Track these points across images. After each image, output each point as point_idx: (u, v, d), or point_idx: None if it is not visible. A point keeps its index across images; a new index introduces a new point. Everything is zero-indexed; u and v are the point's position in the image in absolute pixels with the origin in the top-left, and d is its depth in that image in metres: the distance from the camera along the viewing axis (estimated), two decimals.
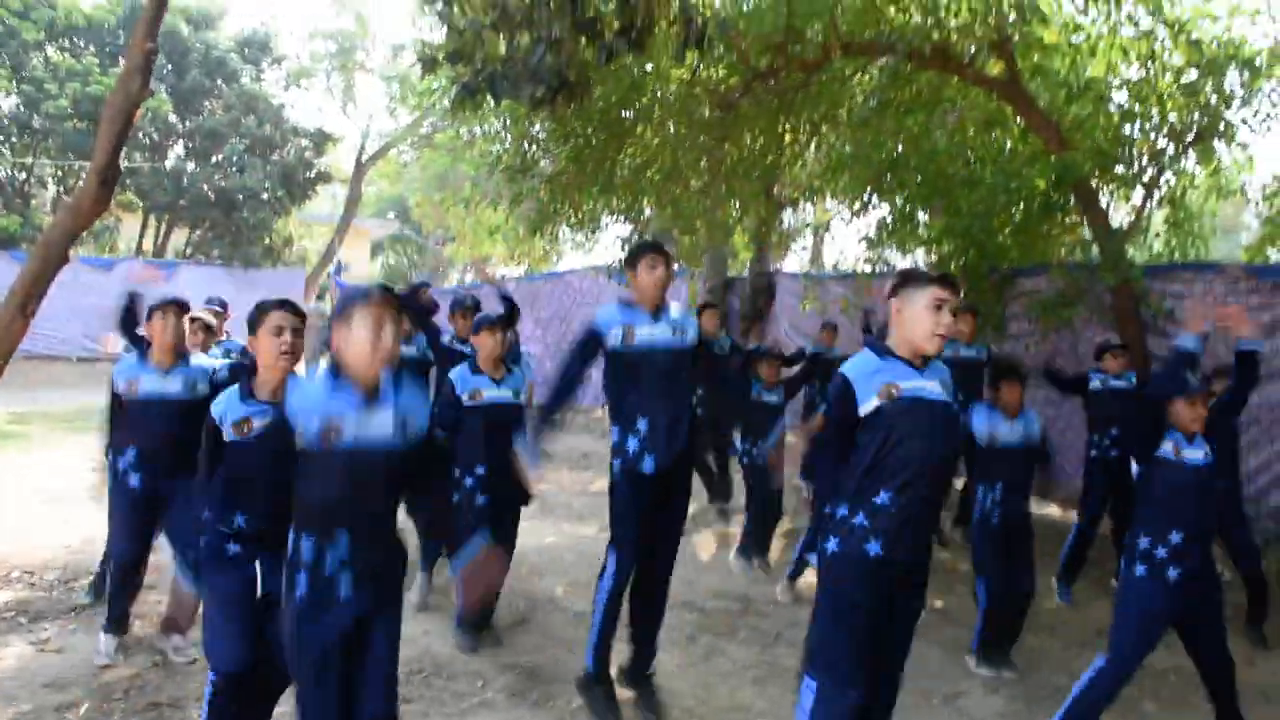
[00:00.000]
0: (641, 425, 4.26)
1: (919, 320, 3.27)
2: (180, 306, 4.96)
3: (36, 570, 6.38)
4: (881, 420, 3.25)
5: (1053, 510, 9.31)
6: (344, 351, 2.97)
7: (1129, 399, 6.72)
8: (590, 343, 4.37)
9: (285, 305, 3.66)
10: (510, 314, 6.04)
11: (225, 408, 3.55)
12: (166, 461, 4.74)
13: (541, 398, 4.53)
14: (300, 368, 3.71)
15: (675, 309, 4.42)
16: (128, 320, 5.29)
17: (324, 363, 3.13)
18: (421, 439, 3.09)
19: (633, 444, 4.27)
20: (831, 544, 3.32)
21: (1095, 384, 6.91)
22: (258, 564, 3.43)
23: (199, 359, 5.07)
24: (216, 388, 4.58)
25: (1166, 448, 4.24)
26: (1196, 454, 4.24)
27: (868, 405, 3.26)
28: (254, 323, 3.65)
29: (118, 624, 4.95)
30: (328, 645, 2.94)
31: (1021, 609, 5.50)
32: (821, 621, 3.37)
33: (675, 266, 13.40)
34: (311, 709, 2.95)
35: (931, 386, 3.30)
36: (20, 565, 6.46)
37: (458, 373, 5.37)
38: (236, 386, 3.62)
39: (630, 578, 4.38)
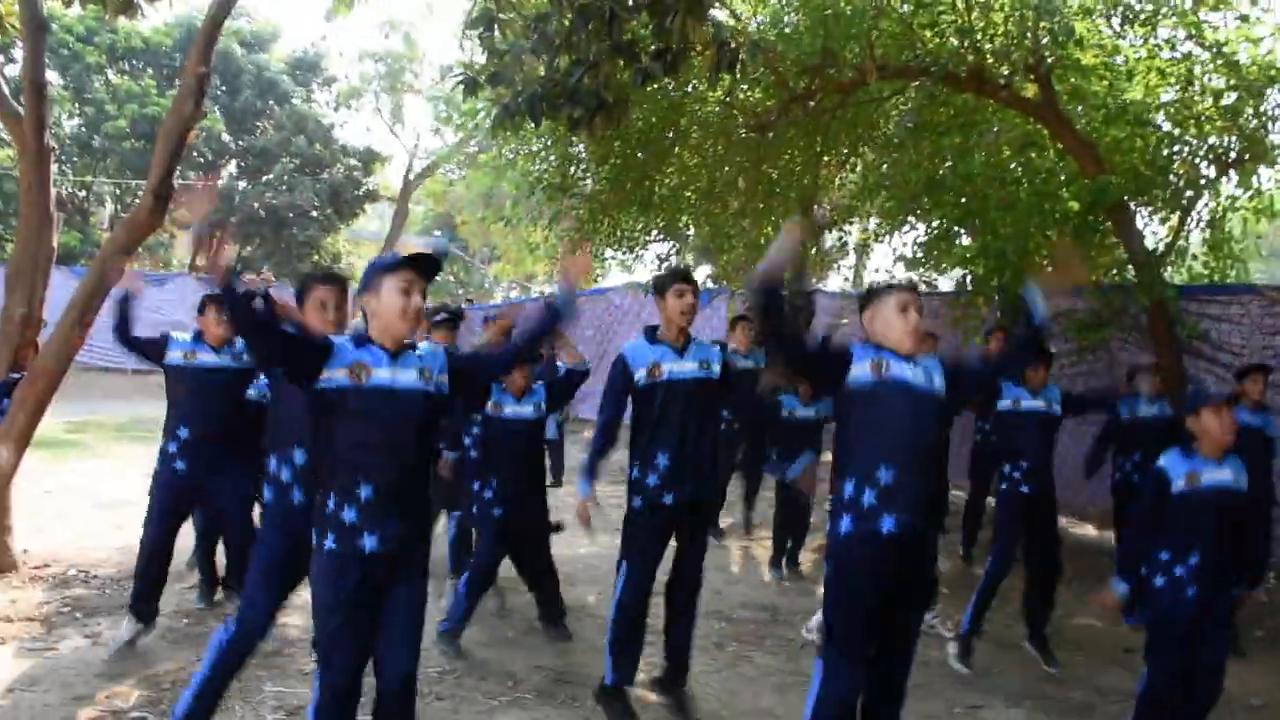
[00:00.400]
0: (661, 461, 4.31)
1: (891, 326, 3.50)
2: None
3: (91, 569, 6.64)
4: (874, 397, 3.45)
5: (1089, 530, 9.31)
6: (375, 316, 3.15)
7: (1159, 425, 6.74)
8: (623, 380, 4.43)
9: (329, 279, 3.90)
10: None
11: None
12: (215, 443, 5.01)
13: (592, 440, 4.54)
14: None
15: (701, 342, 4.51)
16: (122, 326, 5.49)
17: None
18: (444, 391, 3.26)
19: (652, 479, 4.32)
20: (845, 523, 3.46)
21: (1124, 414, 6.93)
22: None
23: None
24: None
25: (1179, 485, 4.27)
26: (1223, 476, 4.28)
27: (860, 370, 3.47)
28: (300, 296, 3.88)
29: (143, 612, 5.11)
30: (350, 598, 3.07)
31: (1049, 588, 5.59)
32: (833, 597, 3.52)
33: (717, 284, 13.56)
34: (333, 657, 3.09)
35: (917, 375, 3.49)
36: (76, 564, 6.73)
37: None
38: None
39: (643, 593, 4.41)
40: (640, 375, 4.36)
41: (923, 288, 10.07)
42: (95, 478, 10.17)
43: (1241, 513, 4.31)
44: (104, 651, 5.02)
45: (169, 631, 5.42)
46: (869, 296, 3.64)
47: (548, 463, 10.71)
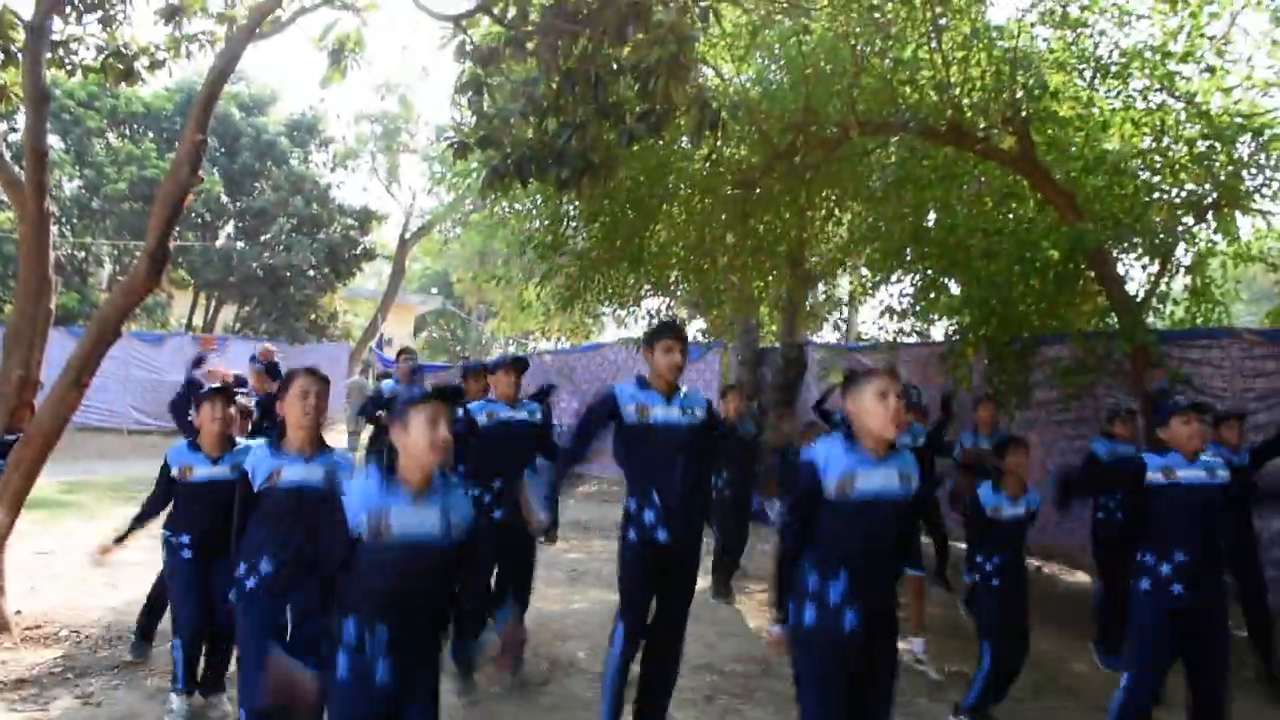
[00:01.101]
0: (656, 498, 4.41)
1: (871, 414, 3.51)
2: (227, 396, 5.20)
3: (83, 629, 6.66)
4: (835, 510, 3.51)
5: (1080, 577, 9.33)
6: (402, 448, 3.16)
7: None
8: (606, 407, 4.54)
9: (311, 373, 4.05)
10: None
11: (255, 461, 3.89)
12: (221, 543, 5.01)
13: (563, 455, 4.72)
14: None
15: (686, 391, 4.60)
16: (181, 405, 5.59)
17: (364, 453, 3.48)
18: (466, 536, 3.26)
19: (649, 516, 4.41)
20: (808, 615, 3.52)
21: (1103, 453, 6.99)
22: (288, 609, 3.72)
23: (244, 444, 5.24)
24: None
25: (1155, 476, 4.41)
26: (1197, 473, 4.45)
27: (828, 488, 3.51)
28: (283, 388, 4.02)
29: (188, 686, 5.08)
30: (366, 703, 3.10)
31: (1014, 672, 5.59)
32: (804, 693, 3.57)
33: (708, 338, 13.63)
34: None
35: (888, 480, 3.52)
36: (67, 624, 6.74)
37: (478, 404, 5.86)
38: (265, 442, 3.94)
39: (638, 645, 4.50)
40: (630, 412, 4.47)
41: (914, 338, 10.20)
42: (91, 538, 10.14)
43: (1223, 508, 4.49)
44: (95, 712, 5.04)
45: (157, 692, 5.44)
46: (849, 381, 3.68)
47: None
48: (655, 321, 12.44)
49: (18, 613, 6.77)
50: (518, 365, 6.06)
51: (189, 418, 5.51)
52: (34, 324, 6.81)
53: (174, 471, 5.16)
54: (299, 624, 3.88)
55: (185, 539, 5.10)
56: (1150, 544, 4.52)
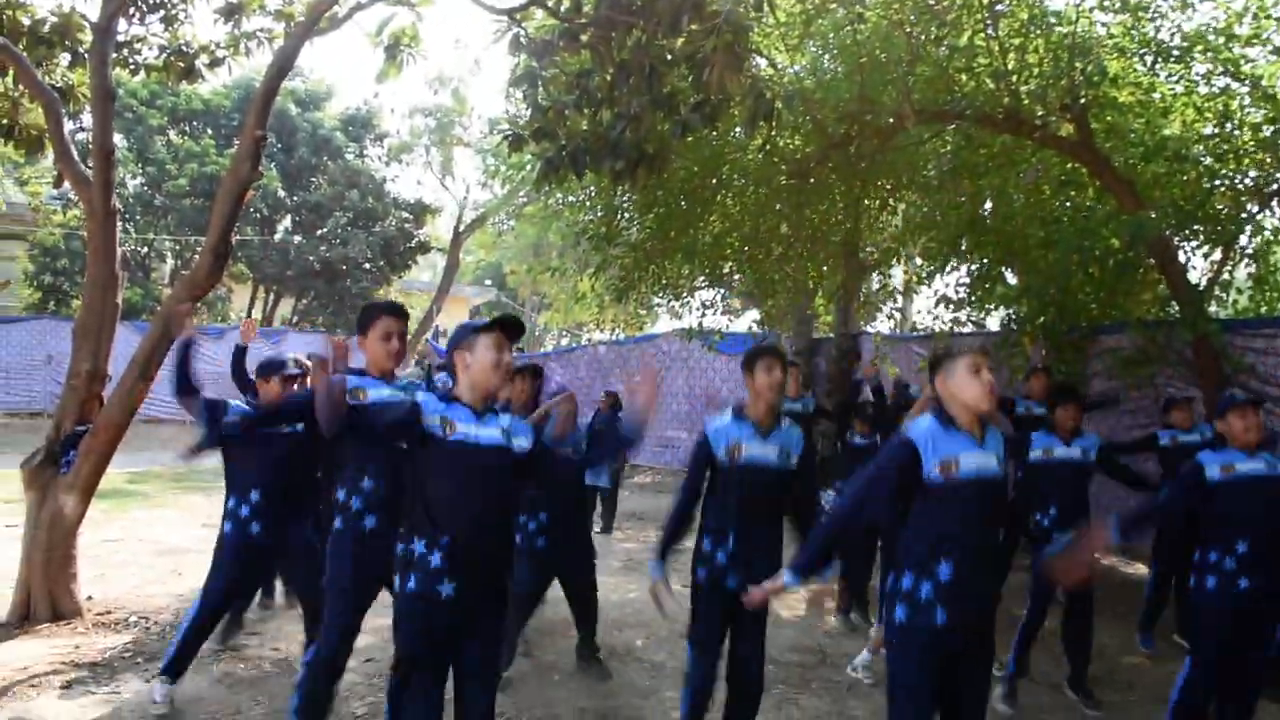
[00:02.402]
0: (730, 540, 4.27)
1: (964, 388, 3.48)
2: (289, 377, 5.38)
3: (150, 615, 6.82)
4: (938, 493, 3.43)
5: (1138, 569, 9.20)
6: (467, 370, 3.45)
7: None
8: (703, 457, 4.38)
9: (393, 310, 4.12)
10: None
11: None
12: (285, 503, 5.12)
13: (666, 521, 4.48)
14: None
15: (788, 427, 4.42)
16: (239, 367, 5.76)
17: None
18: (528, 451, 3.52)
19: (720, 558, 4.28)
20: (899, 613, 3.47)
21: (1165, 441, 6.90)
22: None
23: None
24: None
25: (1214, 472, 4.37)
26: (1257, 466, 4.42)
27: (929, 474, 3.42)
28: (364, 324, 4.08)
29: (179, 672, 5.12)
30: (431, 639, 3.35)
31: (1083, 630, 5.56)
32: (892, 692, 3.51)
33: (763, 329, 13.57)
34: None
35: (988, 462, 3.46)
36: (136, 611, 6.92)
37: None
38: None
39: (712, 676, 4.40)
40: (722, 451, 4.31)
41: (969, 328, 10.10)
42: (155, 526, 10.43)
43: None
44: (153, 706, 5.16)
45: (225, 676, 5.57)
46: (939, 361, 3.63)
47: (599, 509, 10.89)
48: (709, 313, 12.47)
49: (89, 598, 6.95)
50: (534, 371, 5.89)
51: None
52: (102, 318, 6.97)
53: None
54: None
55: (255, 499, 5.13)
56: (1212, 540, 4.46)
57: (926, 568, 3.41)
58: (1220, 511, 4.42)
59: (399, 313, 4.23)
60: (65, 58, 8.29)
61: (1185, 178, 8.05)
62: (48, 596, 6.56)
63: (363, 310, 4.31)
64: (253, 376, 5.91)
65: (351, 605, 4.18)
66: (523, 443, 3.52)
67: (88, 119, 9.46)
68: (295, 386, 5.36)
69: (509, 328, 3.53)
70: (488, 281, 40.66)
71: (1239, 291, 8.72)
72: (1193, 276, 8.33)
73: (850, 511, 3.62)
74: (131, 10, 7.98)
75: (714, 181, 9.33)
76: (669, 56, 5.80)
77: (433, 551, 3.32)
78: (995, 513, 3.56)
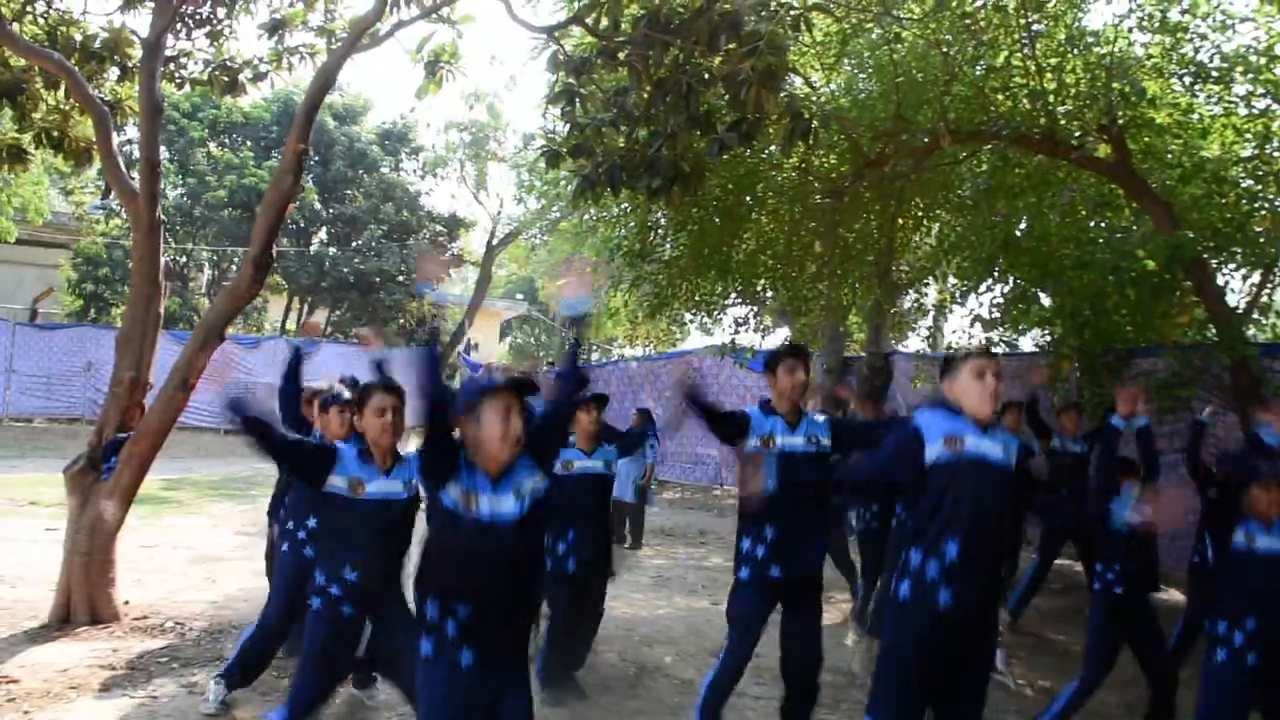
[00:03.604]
0: (769, 533, 4.31)
1: (968, 392, 3.56)
2: (346, 404, 5.21)
3: (186, 621, 6.91)
4: (945, 470, 3.50)
5: (1174, 595, 9.10)
6: (475, 440, 3.20)
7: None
8: (739, 419, 4.46)
9: (387, 387, 4.12)
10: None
11: (343, 456, 4.00)
12: None
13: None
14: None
15: (815, 417, 4.50)
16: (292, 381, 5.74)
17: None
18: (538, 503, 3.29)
19: (761, 551, 4.32)
20: (904, 590, 3.52)
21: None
22: (367, 625, 3.85)
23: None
24: None
25: (1239, 538, 4.30)
26: (1276, 542, 4.28)
27: (935, 451, 3.52)
28: (360, 402, 4.11)
29: (239, 681, 5.24)
30: (452, 710, 3.16)
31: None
32: (883, 664, 3.58)
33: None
34: None
35: (992, 448, 3.52)
36: (172, 616, 7.01)
37: None
38: (354, 443, 4.06)
39: (741, 663, 4.45)
40: (754, 443, 4.38)
41: (1002, 349, 10.05)
42: (190, 533, 10.56)
43: None
44: (199, 702, 5.23)
45: (258, 684, 5.62)
46: (948, 364, 3.72)
47: (627, 526, 10.90)
48: (742, 330, 12.48)
49: (126, 603, 7.05)
50: (599, 401, 5.89)
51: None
52: (145, 327, 7.10)
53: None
54: (379, 633, 4.02)
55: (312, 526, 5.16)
56: (1223, 612, 4.36)
57: (934, 546, 3.46)
58: (1235, 582, 4.33)
59: (393, 389, 4.14)
60: (114, 72, 8.47)
61: (1224, 200, 7.99)
62: (87, 600, 6.67)
63: (360, 389, 4.26)
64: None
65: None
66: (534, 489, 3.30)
67: (133, 131, 9.64)
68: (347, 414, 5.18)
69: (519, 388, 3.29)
70: (519, 295, 40.84)
71: (1278, 315, 8.63)
72: (1231, 300, 8.25)
73: (864, 474, 3.85)
74: (179, 26, 8.13)
75: (748, 199, 9.37)
76: (706, 75, 5.85)
77: (449, 621, 3.17)
78: (1002, 499, 3.57)
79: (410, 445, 4.11)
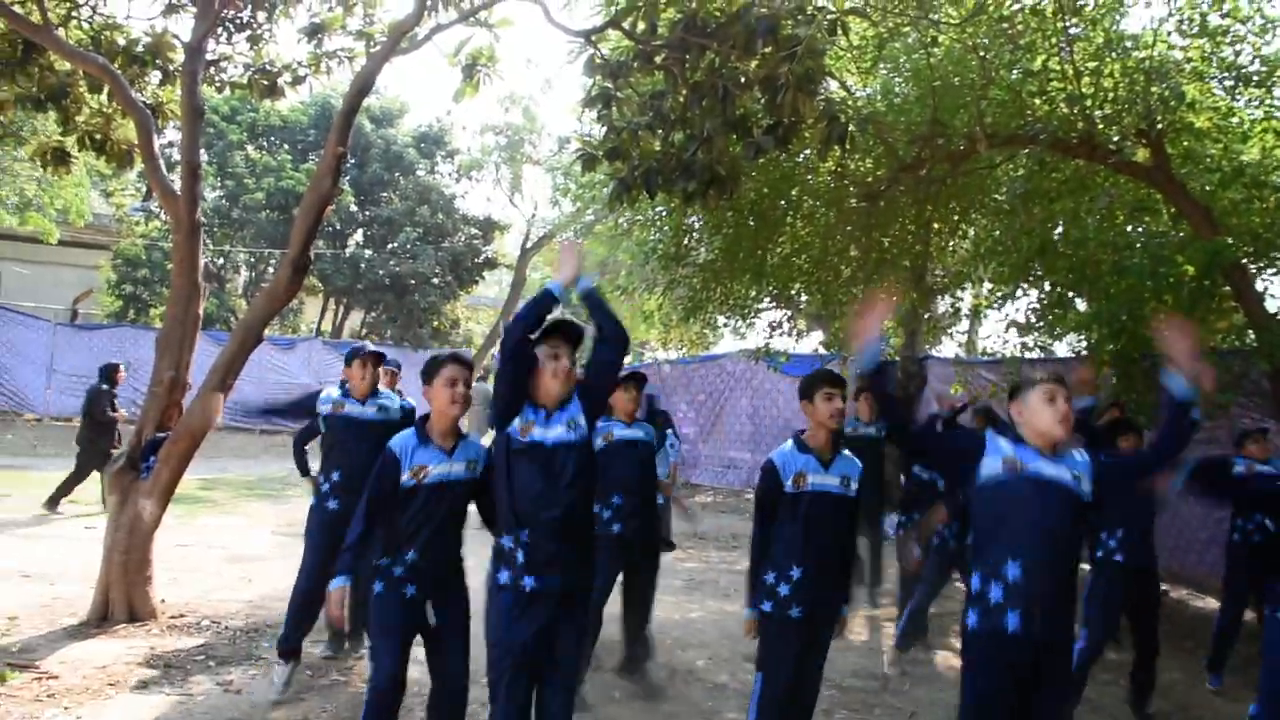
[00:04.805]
0: (795, 573, 4.30)
1: (1039, 415, 3.53)
2: (377, 356, 5.94)
3: (222, 620, 6.99)
4: (1004, 491, 3.47)
5: (1210, 602, 9.00)
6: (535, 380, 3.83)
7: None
8: (773, 489, 4.40)
9: (458, 359, 4.17)
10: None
11: (403, 446, 4.04)
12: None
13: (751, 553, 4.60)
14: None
15: (847, 455, 4.44)
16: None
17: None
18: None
19: (784, 589, 4.31)
20: (971, 619, 3.51)
21: (1240, 468, 6.75)
22: (429, 605, 3.95)
23: (387, 393, 6.13)
24: (405, 414, 5.87)
25: None
26: None
27: (991, 467, 3.51)
28: (430, 373, 4.13)
29: (292, 654, 5.55)
30: (520, 644, 3.67)
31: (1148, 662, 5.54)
32: (964, 703, 3.54)
33: (829, 350, 13.51)
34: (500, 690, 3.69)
35: (1059, 472, 3.48)
36: (208, 615, 7.09)
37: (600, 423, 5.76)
38: (413, 430, 4.09)
39: (779, 705, 4.40)
40: (788, 484, 4.35)
41: (1037, 353, 9.97)
42: (225, 533, 10.67)
43: None
44: (236, 699, 5.29)
45: (293, 682, 5.68)
46: (1016, 389, 3.70)
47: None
48: (776, 334, 12.44)
49: (162, 601, 7.14)
50: (637, 380, 6.07)
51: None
52: (184, 328, 7.18)
53: (326, 409, 5.91)
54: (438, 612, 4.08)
55: (336, 478, 5.80)
56: None
57: (996, 569, 3.44)
58: None
59: (463, 361, 4.23)
60: (156, 76, 8.59)
61: (1264, 204, 7.89)
62: (125, 598, 6.76)
63: (428, 361, 4.30)
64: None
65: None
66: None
67: (172, 134, 9.77)
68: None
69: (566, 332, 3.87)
70: (549, 283, 40.87)
71: None
72: (1271, 306, 8.13)
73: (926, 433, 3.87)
74: (220, 30, 8.24)
75: (783, 203, 9.35)
76: (743, 79, 5.84)
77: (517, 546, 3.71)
78: (1067, 521, 3.50)
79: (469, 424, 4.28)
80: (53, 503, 11.15)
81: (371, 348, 6.00)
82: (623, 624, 6.04)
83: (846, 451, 4.46)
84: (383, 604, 4.00)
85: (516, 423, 3.76)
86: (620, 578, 5.91)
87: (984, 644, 3.45)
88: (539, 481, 3.71)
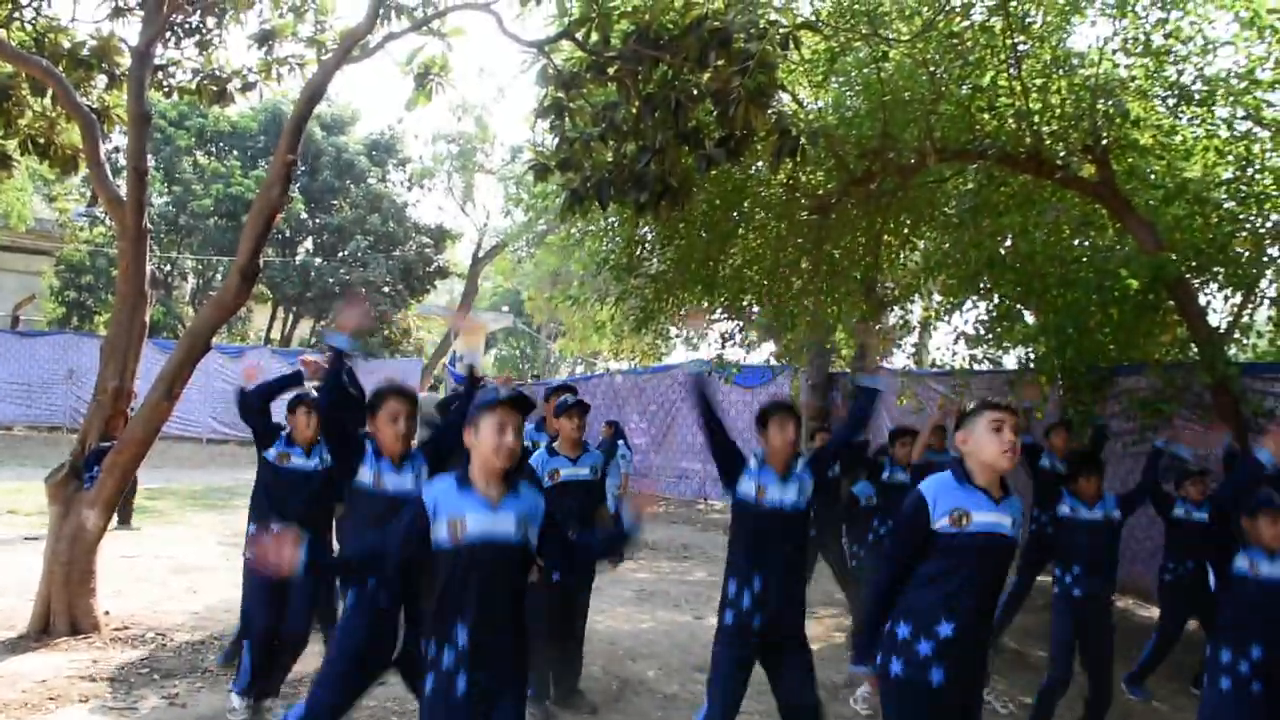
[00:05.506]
0: (757, 582, 4.35)
1: (984, 446, 3.42)
2: (312, 403, 5.52)
3: (167, 632, 6.88)
4: (948, 548, 3.37)
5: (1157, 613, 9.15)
6: (473, 452, 3.31)
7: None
8: (738, 460, 4.52)
9: (400, 392, 4.15)
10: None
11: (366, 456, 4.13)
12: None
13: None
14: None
15: (801, 466, 4.52)
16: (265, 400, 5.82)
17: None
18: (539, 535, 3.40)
19: (746, 600, 4.36)
20: (895, 667, 3.41)
21: (1178, 512, 6.83)
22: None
23: None
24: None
25: (1242, 564, 4.34)
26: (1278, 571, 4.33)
27: (939, 524, 3.38)
28: (373, 406, 4.12)
29: (255, 692, 5.28)
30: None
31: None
32: None
33: (780, 362, 13.56)
34: None
35: (1003, 521, 3.41)
36: (152, 627, 6.97)
37: (537, 456, 5.71)
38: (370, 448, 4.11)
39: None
40: (747, 494, 4.44)
41: (985, 365, 10.10)
42: (171, 544, 10.49)
43: None
44: (182, 713, 5.20)
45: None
46: (963, 417, 3.57)
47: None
48: (728, 345, 12.49)
49: (106, 613, 7.01)
50: (581, 409, 5.87)
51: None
52: (130, 336, 7.08)
53: (271, 456, 5.54)
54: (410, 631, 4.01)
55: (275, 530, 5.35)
56: (1227, 640, 4.38)
57: (928, 625, 3.34)
58: (1238, 609, 4.37)
59: (405, 394, 4.23)
60: (102, 80, 8.46)
61: (1206, 220, 8.06)
62: (67, 610, 6.63)
63: (371, 394, 4.31)
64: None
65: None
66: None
67: (119, 139, 9.64)
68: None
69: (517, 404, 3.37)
70: (505, 308, 40.81)
71: (1259, 335, 8.71)
72: (1213, 319, 8.32)
73: (887, 582, 3.53)
74: (168, 35, 8.13)
75: (735, 215, 9.40)
76: (695, 91, 5.87)
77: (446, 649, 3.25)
78: (1001, 575, 3.48)
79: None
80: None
81: (314, 394, 5.59)
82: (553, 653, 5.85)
83: (801, 464, 4.53)
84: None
85: (443, 530, 3.27)
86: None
87: (908, 693, 3.38)
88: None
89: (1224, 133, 8.11)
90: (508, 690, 3.31)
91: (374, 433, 4.24)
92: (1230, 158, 8.17)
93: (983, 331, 9.55)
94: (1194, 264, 7.89)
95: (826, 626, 8.35)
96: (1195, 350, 7.92)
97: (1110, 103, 7.61)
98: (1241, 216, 8.06)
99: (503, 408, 3.28)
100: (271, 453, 5.50)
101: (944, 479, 3.46)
